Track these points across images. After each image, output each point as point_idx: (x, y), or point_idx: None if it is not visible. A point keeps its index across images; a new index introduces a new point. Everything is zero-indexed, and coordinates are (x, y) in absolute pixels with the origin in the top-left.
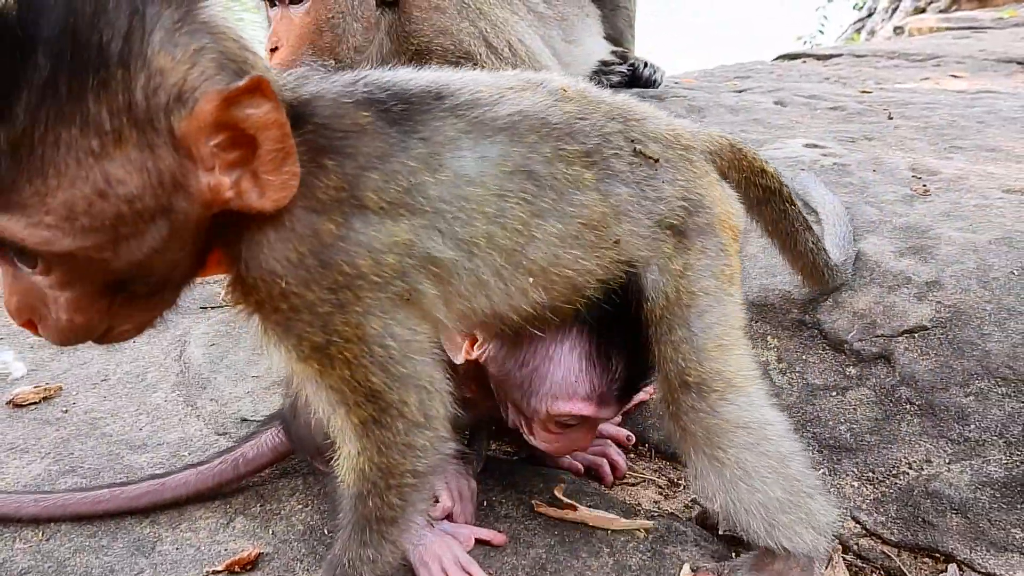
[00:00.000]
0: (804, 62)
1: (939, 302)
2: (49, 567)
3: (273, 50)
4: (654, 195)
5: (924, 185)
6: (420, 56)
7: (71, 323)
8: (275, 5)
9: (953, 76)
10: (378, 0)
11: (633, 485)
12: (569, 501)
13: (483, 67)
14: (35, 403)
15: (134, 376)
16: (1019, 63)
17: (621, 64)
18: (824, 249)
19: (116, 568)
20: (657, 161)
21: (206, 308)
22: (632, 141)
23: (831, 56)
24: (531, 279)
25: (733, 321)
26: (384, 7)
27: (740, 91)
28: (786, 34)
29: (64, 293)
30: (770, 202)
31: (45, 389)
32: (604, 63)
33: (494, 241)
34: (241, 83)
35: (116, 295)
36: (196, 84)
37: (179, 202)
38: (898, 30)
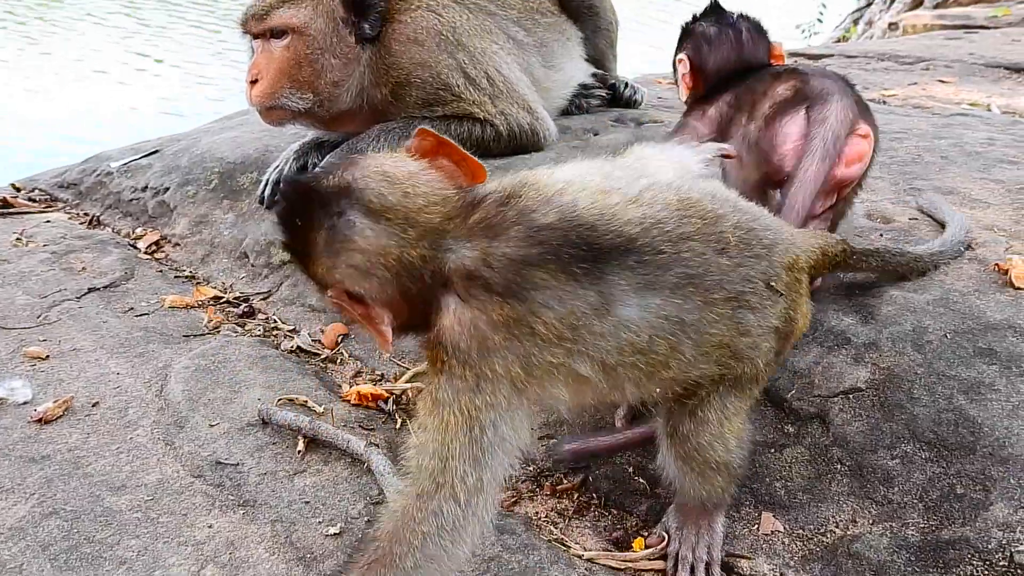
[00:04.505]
0: (795, 63)
1: (875, 364)
2: None
3: (253, 82)
4: (771, 312)
5: (880, 234)
6: (399, 87)
7: None
8: (257, 38)
9: (941, 81)
10: (357, 36)
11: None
12: None
13: (461, 97)
14: (61, 416)
15: (117, 411)
16: (1007, 68)
17: (601, 88)
18: (896, 254)
19: None
20: (783, 295)
21: (189, 336)
22: (769, 279)
23: (822, 56)
24: (659, 389)
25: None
26: (363, 42)
27: None
28: (787, 23)
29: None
30: (840, 266)
31: (64, 402)
32: (584, 86)
33: (636, 366)
34: None
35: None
36: None
37: None
38: (893, 26)
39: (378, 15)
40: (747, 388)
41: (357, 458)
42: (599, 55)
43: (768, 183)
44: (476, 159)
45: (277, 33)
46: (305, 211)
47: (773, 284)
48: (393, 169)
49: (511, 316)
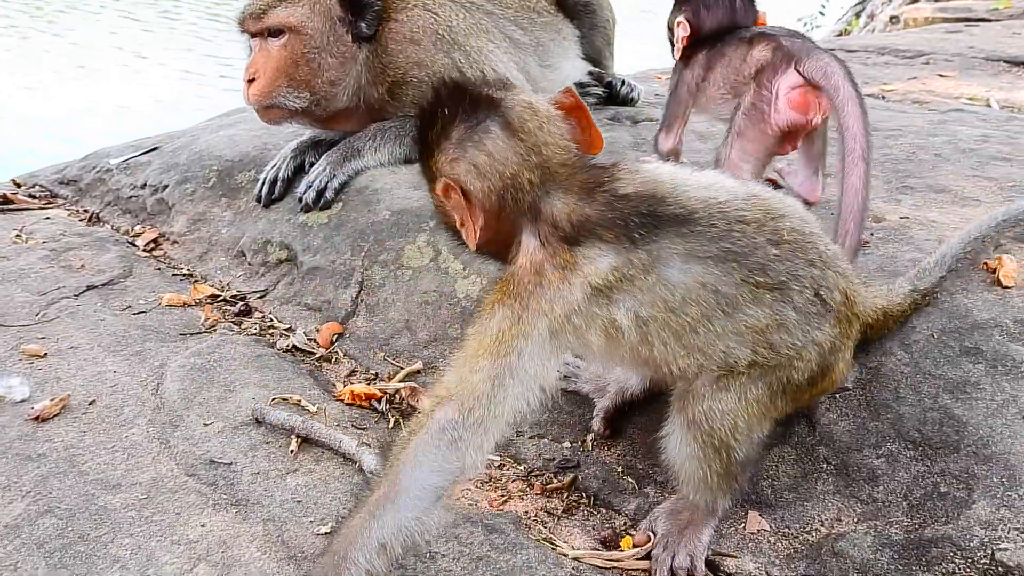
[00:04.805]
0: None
1: (861, 364)
2: None
3: (250, 81)
4: (817, 324)
5: (872, 233)
6: (396, 86)
7: None
8: (254, 37)
9: (941, 75)
10: (354, 35)
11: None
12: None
13: None
14: (57, 414)
15: (113, 410)
16: (1007, 62)
17: (597, 85)
18: (961, 255)
19: None
20: (832, 310)
21: (186, 335)
22: (819, 288)
23: None
24: (684, 352)
25: None
26: (360, 41)
27: None
28: (788, 16)
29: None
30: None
31: (60, 401)
32: (581, 85)
33: (667, 324)
34: None
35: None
36: None
37: None
38: (894, 19)
39: (375, 14)
40: (775, 389)
41: (349, 458)
42: (596, 53)
43: (769, 149)
44: (600, 132)
45: (274, 32)
46: (453, 106)
47: (823, 295)
48: (538, 105)
49: (570, 261)
